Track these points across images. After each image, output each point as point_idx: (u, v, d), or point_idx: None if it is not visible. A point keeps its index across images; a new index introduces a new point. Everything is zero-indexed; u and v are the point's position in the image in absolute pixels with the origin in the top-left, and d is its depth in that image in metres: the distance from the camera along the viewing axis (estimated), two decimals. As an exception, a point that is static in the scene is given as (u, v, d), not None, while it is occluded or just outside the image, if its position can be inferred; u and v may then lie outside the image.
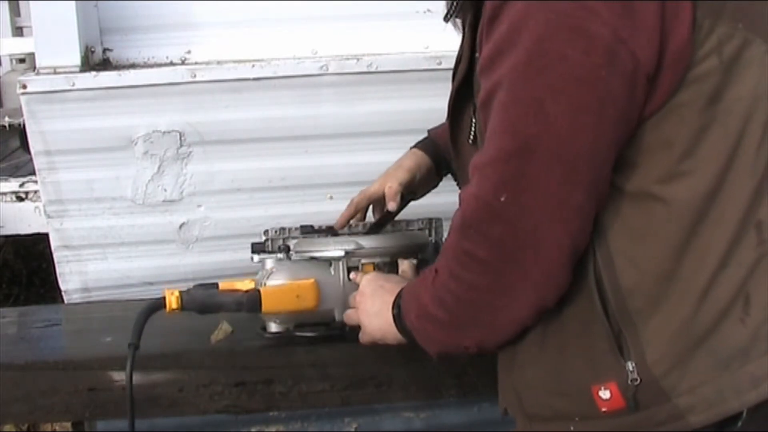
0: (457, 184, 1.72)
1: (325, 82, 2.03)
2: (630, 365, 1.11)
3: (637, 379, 1.11)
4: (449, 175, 1.71)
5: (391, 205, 1.61)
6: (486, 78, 1.10)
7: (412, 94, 1.81)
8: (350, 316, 1.46)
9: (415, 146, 1.69)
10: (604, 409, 1.13)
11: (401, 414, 1.82)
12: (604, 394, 1.13)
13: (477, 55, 1.16)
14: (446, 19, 1.26)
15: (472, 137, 1.26)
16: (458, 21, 1.28)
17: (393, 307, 1.31)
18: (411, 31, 2.08)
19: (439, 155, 1.66)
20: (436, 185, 1.70)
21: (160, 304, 1.49)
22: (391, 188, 1.61)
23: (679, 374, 1.11)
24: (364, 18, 2.10)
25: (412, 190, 1.66)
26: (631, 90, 1.04)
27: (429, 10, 2.07)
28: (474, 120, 1.24)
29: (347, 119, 1.83)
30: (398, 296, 1.31)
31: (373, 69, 2.01)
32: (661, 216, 1.10)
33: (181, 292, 1.49)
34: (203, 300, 1.51)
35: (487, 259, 1.11)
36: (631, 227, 1.11)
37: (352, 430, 1.83)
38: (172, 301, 1.48)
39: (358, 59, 2.02)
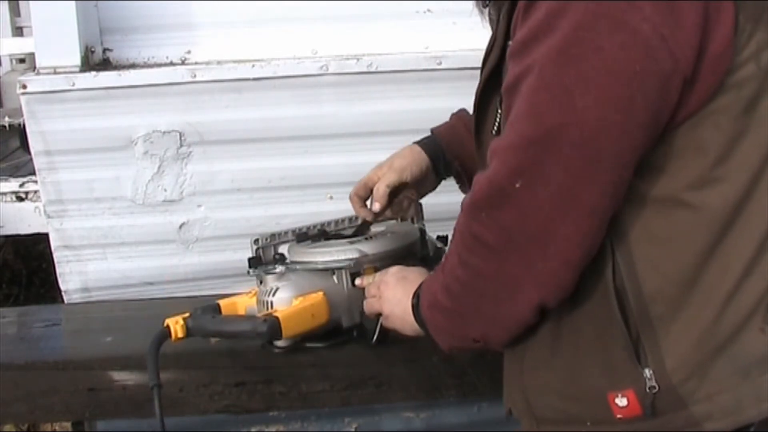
0: (460, 188, 1.72)
1: (325, 82, 2.03)
2: (648, 372, 1.09)
3: (655, 387, 1.09)
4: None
5: (376, 206, 1.59)
6: (516, 62, 1.07)
7: (412, 94, 1.81)
8: (372, 305, 1.45)
9: (417, 142, 1.69)
10: (619, 416, 1.11)
11: (401, 414, 1.82)
12: (621, 401, 1.11)
13: (509, 42, 1.13)
14: (484, 5, 1.24)
15: (496, 128, 1.23)
16: (486, 11, 1.26)
17: (413, 297, 1.30)
18: (411, 31, 2.08)
19: (439, 154, 1.64)
20: (434, 185, 1.70)
21: (165, 334, 1.46)
22: (378, 190, 1.60)
23: (697, 381, 1.09)
24: (364, 18, 2.10)
25: (401, 189, 1.65)
26: (666, 91, 1.01)
27: (429, 10, 2.07)
28: (499, 110, 1.21)
29: (347, 119, 1.83)
30: (419, 287, 1.30)
31: (373, 69, 2.01)
32: (689, 222, 1.08)
33: (185, 320, 1.47)
34: (214, 328, 1.50)
35: (494, 245, 1.09)
36: (655, 232, 1.09)
37: (352, 430, 1.83)
38: (177, 330, 1.46)
39: (358, 59, 2.02)
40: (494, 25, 1.25)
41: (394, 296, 1.38)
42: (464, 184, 1.71)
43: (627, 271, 1.09)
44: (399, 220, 1.68)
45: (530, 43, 1.04)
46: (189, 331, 1.47)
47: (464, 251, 1.14)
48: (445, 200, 2.11)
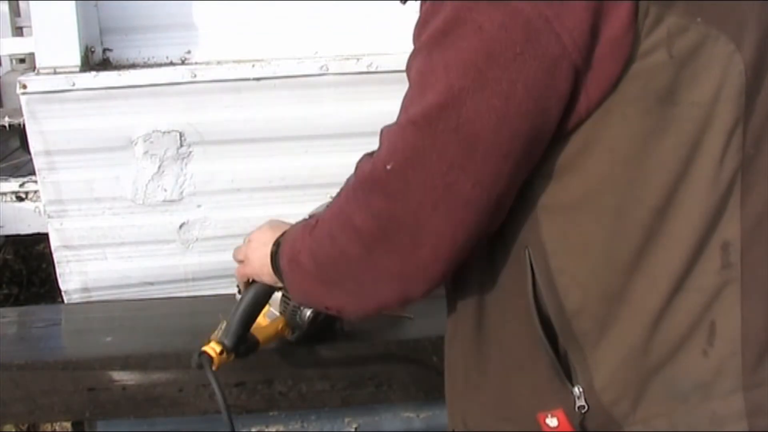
0: None
1: (325, 82, 2.03)
2: (577, 390, 1.03)
3: (584, 406, 1.03)
4: None
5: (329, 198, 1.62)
6: (411, 53, 1.04)
7: (412, 94, 1.80)
8: (238, 250, 1.42)
9: None
10: None
11: (401, 414, 1.82)
12: (551, 421, 1.05)
13: None
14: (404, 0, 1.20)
15: None
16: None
17: (274, 244, 1.26)
18: (411, 31, 2.08)
19: None
20: None
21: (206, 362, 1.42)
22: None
23: (631, 403, 1.02)
24: (364, 18, 2.10)
25: None
26: (551, 78, 0.92)
27: (429, 10, 2.07)
28: None
29: (347, 119, 1.83)
30: (281, 235, 1.25)
31: (373, 69, 2.01)
32: (606, 229, 0.99)
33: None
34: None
35: (362, 229, 1.02)
36: (572, 243, 1.01)
37: (352, 430, 1.83)
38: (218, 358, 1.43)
39: (358, 59, 2.02)
40: None
41: (258, 240, 1.34)
42: None
43: (546, 285, 1.02)
44: None
45: (420, 29, 1.01)
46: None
47: (336, 227, 1.07)
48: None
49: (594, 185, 0.99)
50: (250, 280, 1.44)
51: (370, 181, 1.01)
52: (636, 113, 0.96)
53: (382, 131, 1.03)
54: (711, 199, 1.00)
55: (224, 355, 1.42)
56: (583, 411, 1.03)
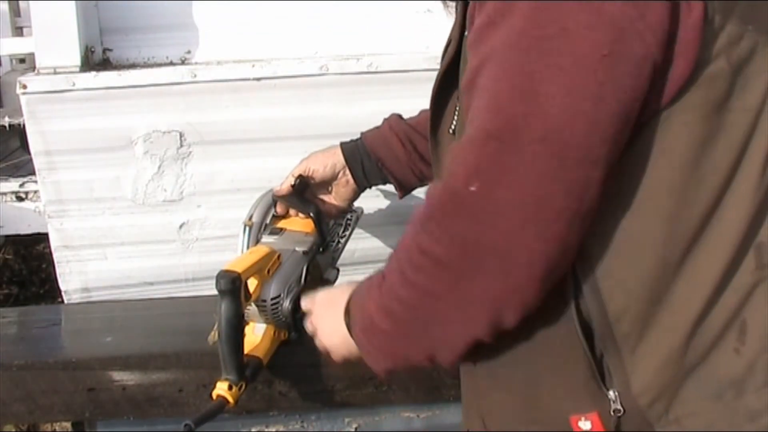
0: (397, 188, 1.69)
1: (325, 82, 2.03)
2: (612, 394, 1.02)
3: (620, 410, 1.02)
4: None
5: (280, 209, 1.66)
6: (474, 54, 0.97)
7: (412, 94, 1.80)
8: (314, 335, 1.33)
9: (341, 143, 1.67)
10: None
11: (401, 414, 1.82)
12: (584, 424, 1.04)
13: (466, 33, 1.04)
14: None
15: (453, 127, 1.15)
16: (449, 2, 1.19)
17: (344, 316, 1.17)
18: (411, 31, 2.08)
19: (358, 157, 1.63)
20: (355, 189, 1.68)
21: (222, 405, 1.43)
22: (278, 191, 1.64)
23: (665, 404, 1.02)
24: (364, 18, 2.10)
25: (307, 197, 1.65)
26: (636, 77, 0.91)
27: (429, 10, 2.07)
28: (458, 108, 1.13)
29: (347, 119, 1.83)
30: (348, 304, 1.16)
31: (373, 69, 2.01)
32: (656, 233, 0.99)
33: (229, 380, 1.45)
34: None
35: (445, 259, 0.96)
36: (621, 247, 0.99)
37: (352, 430, 1.83)
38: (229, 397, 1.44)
39: (358, 59, 2.02)
40: (455, 15, 1.18)
41: (327, 326, 1.25)
42: (397, 189, 1.69)
43: (589, 289, 1.00)
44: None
45: (487, 30, 0.94)
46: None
47: (409, 268, 1.01)
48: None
49: (650, 189, 0.98)
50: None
51: (450, 205, 0.95)
52: (696, 120, 0.96)
53: (453, 151, 0.97)
54: (753, 203, 1.00)
55: (234, 389, 1.44)
56: (618, 414, 1.02)
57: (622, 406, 1.02)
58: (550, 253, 0.93)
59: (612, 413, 1.02)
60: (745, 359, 1.03)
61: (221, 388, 1.43)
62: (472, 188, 0.92)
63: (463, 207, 0.93)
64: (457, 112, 1.14)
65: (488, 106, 0.93)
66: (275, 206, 1.70)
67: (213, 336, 1.66)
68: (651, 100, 0.94)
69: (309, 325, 1.33)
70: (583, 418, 1.04)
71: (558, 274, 0.97)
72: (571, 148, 0.90)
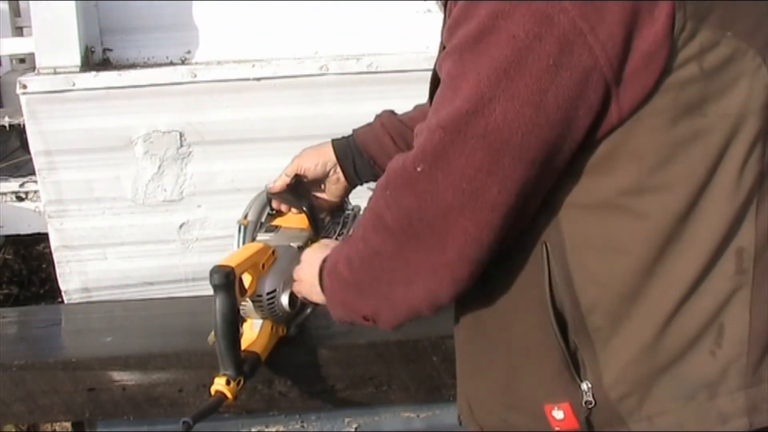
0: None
1: (325, 82, 2.03)
2: (585, 385, 1.05)
3: (591, 402, 1.05)
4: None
5: (275, 205, 1.66)
6: (443, 54, 1.03)
7: (412, 94, 1.80)
8: (296, 269, 1.43)
9: (333, 140, 1.67)
10: (557, 428, 1.08)
11: (401, 414, 1.82)
12: (557, 414, 1.07)
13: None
14: None
15: None
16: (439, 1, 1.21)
17: (321, 262, 1.25)
18: (411, 31, 2.08)
19: (349, 154, 1.63)
20: (346, 186, 1.67)
21: (220, 400, 1.44)
22: (272, 188, 1.65)
23: (637, 400, 1.04)
24: (364, 18, 2.10)
25: (300, 193, 1.65)
26: (582, 89, 0.94)
27: (429, 10, 2.07)
28: None
29: (347, 119, 1.83)
30: (327, 255, 1.25)
31: (373, 69, 2.01)
32: (627, 230, 1.02)
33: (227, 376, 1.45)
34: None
35: (393, 227, 1.04)
36: (592, 240, 1.03)
37: (352, 430, 1.82)
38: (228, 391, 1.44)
39: (358, 59, 2.02)
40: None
41: (307, 259, 1.37)
42: None
43: (563, 280, 1.04)
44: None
45: (453, 30, 1.00)
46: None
47: (368, 227, 1.10)
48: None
49: (621, 189, 1.01)
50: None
51: (401, 180, 1.02)
52: (665, 123, 0.98)
53: (415, 131, 1.05)
54: (731, 207, 1.02)
55: (233, 384, 1.44)
56: (589, 406, 1.05)
57: (593, 398, 1.05)
58: (483, 239, 1.00)
59: (583, 404, 1.05)
60: (720, 362, 1.04)
61: (219, 384, 1.43)
62: (419, 169, 1.00)
63: (410, 184, 1.01)
64: None
65: (442, 98, 1.00)
66: (270, 204, 1.70)
67: (213, 336, 1.66)
68: (612, 107, 0.96)
69: (294, 274, 1.43)
70: (556, 407, 1.08)
71: (490, 257, 1.02)
72: (508, 147, 0.96)
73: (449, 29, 1.01)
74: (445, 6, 1.13)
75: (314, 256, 1.32)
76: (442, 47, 1.12)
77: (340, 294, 1.18)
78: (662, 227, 1.01)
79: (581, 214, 1.03)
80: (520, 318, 1.09)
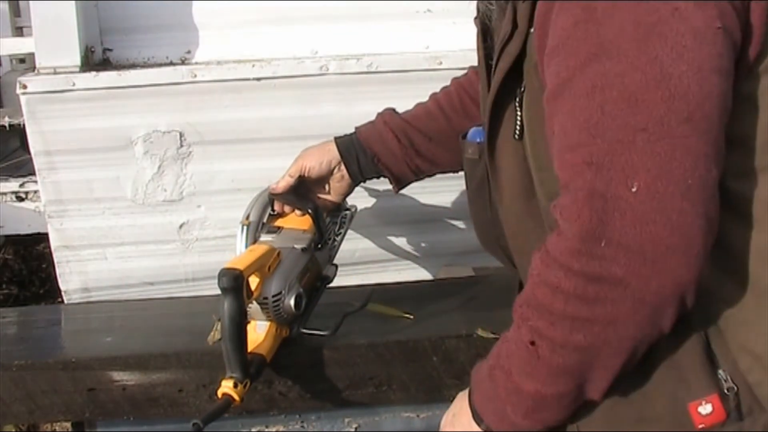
0: (393, 183, 1.69)
1: (325, 82, 2.03)
2: (722, 373, 1.04)
3: (733, 387, 1.03)
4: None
5: (277, 207, 1.67)
6: (565, 57, 0.95)
7: (412, 94, 1.81)
8: None
9: (335, 138, 1.67)
10: (701, 425, 1.04)
11: (401, 414, 1.82)
12: (704, 408, 1.03)
13: (531, 30, 1.03)
14: None
15: (518, 132, 1.11)
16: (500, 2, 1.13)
17: (474, 418, 1.14)
18: (411, 31, 2.08)
19: (352, 152, 1.63)
20: (350, 184, 1.68)
21: (228, 403, 1.43)
22: (275, 189, 1.65)
23: None
24: (364, 18, 2.10)
25: (303, 193, 1.65)
26: (733, 49, 0.93)
27: (429, 10, 2.07)
28: (519, 112, 1.10)
29: (347, 119, 1.83)
30: (471, 408, 1.14)
31: (373, 69, 2.01)
32: (740, 216, 1.00)
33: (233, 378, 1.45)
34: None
35: (627, 274, 0.91)
36: (724, 241, 0.99)
37: (352, 430, 1.82)
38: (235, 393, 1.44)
39: (358, 59, 2.02)
40: (495, 13, 1.15)
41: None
42: (392, 183, 1.69)
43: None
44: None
45: (583, 28, 0.93)
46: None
47: (581, 308, 0.95)
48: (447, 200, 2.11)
49: (728, 170, 0.97)
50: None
51: (617, 214, 0.91)
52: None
53: (579, 163, 0.94)
54: None
55: (240, 387, 1.44)
56: (734, 392, 1.03)
57: (734, 383, 1.04)
58: (711, 228, 0.93)
59: (727, 392, 1.03)
60: None
61: (227, 386, 1.43)
62: (634, 189, 0.89)
63: (629, 211, 0.90)
64: (519, 116, 1.11)
65: (622, 105, 0.91)
66: (272, 205, 1.70)
67: (212, 336, 1.66)
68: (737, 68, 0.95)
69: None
70: (703, 402, 1.04)
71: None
72: (714, 122, 0.91)
73: (570, 32, 0.94)
74: (513, 6, 1.06)
75: (455, 423, 1.19)
76: (515, 50, 1.06)
77: (562, 413, 1.04)
78: None
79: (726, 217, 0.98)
80: None
